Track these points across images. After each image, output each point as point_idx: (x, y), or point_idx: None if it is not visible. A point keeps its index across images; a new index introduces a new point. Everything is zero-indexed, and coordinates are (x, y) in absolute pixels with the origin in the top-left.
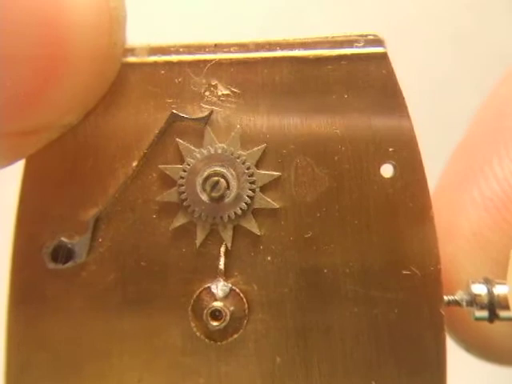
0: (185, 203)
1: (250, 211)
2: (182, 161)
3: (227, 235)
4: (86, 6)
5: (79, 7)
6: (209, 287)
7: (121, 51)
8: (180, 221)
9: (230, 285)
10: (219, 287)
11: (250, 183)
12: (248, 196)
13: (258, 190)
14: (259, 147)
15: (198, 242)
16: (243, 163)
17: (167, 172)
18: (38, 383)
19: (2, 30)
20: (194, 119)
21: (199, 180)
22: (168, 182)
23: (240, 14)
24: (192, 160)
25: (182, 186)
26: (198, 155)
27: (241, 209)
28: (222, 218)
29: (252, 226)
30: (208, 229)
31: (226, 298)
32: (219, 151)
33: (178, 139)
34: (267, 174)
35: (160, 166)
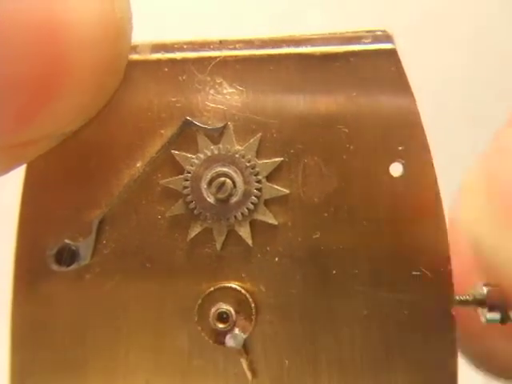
0: (195, 211)
1: (261, 203)
2: (195, 152)
3: (245, 232)
4: (90, 19)
5: (83, 22)
6: (220, 288)
7: (125, 61)
8: (195, 230)
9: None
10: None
11: (255, 175)
12: (256, 189)
13: (264, 180)
14: (274, 160)
15: (218, 245)
16: (252, 169)
17: (170, 186)
18: (43, 382)
19: None
20: (207, 129)
21: (203, 185)
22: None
23: (241, 13)
24: (191, 167)
25: (188, 195)
26: (213, 150)
27: (252, 203)
28: (235, 216)
29: (267, 217)
30: (225, 231)
31: (234, 304)
32: (230, 153)
33: (172, 150)
34: (269, 161)
35: (161, 182)
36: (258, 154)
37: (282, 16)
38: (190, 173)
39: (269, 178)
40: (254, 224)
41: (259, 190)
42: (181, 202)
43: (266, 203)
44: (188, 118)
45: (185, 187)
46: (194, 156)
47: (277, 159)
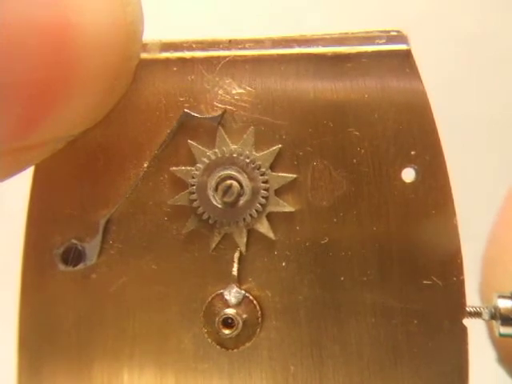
0: (210, 221)
1: (264, 214)
2: (194, 163)
3: (265, 227)
4: (101, 23)
5: (93, 26)
6: (221, 293)
7: (135, 65)
8: (215, 240)
9: (243, 291)
10: (232, 294)
11: (263, 182)
12: (263, 182)
13: (272, 191)
14: (273, 149)
15: (243, 248)
16: (254, 164)
17: (179, 203)
18: (49, 380)
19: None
20: (205, 118)
21: (210, 193)
22: (179, 183)
23: (240, 12)
24: (194, 179)
25: (199, 207)
26: (210, 157)
27: (256, 210)
28: (237, 222)
29: (267, 230)
30: (246, 231)
31: (238, 305)
32: (227, 155)
33: (189, 141)
34: (281, 176)
35: (169, 202)
36: (261, 151)
37: (281, 15)
38: (194, 185)
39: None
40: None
41: (266, 182)
42: (193, 217)
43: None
44: (186, 110)
45: (193, 200)
46: (193, 168)
47: (290, 175)
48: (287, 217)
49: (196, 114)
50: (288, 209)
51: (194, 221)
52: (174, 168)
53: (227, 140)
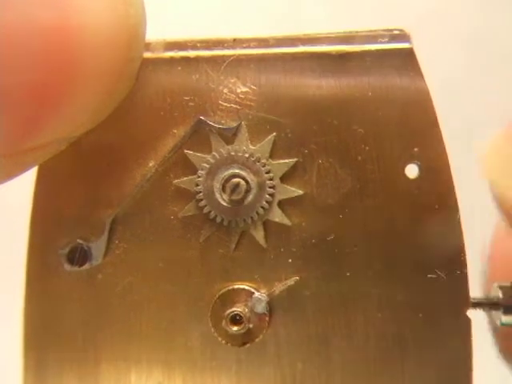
0: (208, 212)
1: (275, 203)
2: (194, 172)
3: (259, 234)
4: (103, 25)
5: (95, 28)
6: (242, 289)
7: (137, 66)
8: (208, 231)
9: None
10: (260, 302)
11: (269, 176)
12: (270, 189)
13: (278, 181)
14: (268, 138)
15: (232, 246)
16: (253, 157)
17: (183, 186)
18: (55, 381)
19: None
20: (220, 128)
21: (217, 186)
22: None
23: (240, 11)
24: (205, 167)
25: (201, 196)
26: (210, 161)
27: (266, 201)
28: (251, 218)
29: (281, 218)
30: (239, 232)
31: (248, 306)
32: (225, 155)
33: (186, 150)
34: (283, 162)
35: (174, 182)
36: (272, 154)
37: (285, 14)
38: (203, 173)
39: (283, 178)
40: (267, 225)
41: (269, 172)
42: (193, 203)
43: (280, 204)
44: (201, 117)
45: (197, 187)
46: (207, 156)
47: (291, 160)
48: (293, 215)
49: (211, 123)
50: (297, 193)
51: (193, 208)
52: (189, 151)
53: (247, 140)
